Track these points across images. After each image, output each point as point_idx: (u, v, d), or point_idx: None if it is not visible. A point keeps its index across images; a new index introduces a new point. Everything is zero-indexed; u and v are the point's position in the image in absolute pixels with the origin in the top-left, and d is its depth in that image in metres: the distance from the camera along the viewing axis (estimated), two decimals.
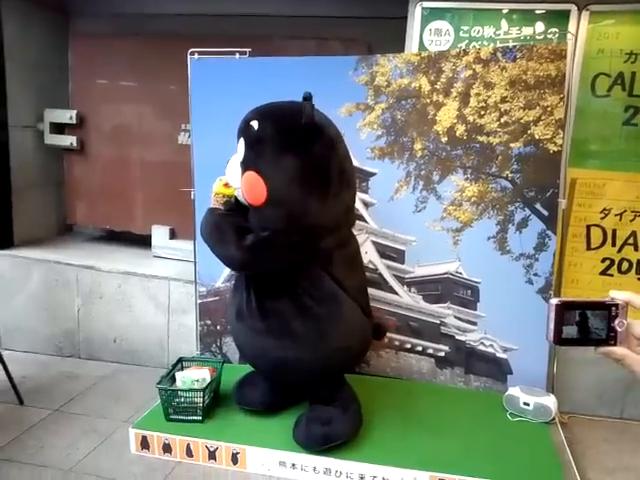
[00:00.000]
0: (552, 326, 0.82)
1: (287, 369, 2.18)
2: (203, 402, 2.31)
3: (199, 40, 2.77)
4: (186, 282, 3.04)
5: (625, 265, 2.65)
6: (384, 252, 2.76)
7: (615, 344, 0.82)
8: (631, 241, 2.63)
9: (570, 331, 0.82)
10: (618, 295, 0.83)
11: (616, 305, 0.82)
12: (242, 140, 2.08)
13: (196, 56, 2.72)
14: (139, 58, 3.41)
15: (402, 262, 2.75)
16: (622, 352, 0.82)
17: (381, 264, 2.76)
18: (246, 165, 2.05)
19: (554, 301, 0.82)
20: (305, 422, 2.19)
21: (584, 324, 0.82)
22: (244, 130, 2.09)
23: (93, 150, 3.61)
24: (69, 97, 3.62)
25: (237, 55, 2.67)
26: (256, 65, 2.69)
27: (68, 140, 3.56)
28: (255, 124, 2.04)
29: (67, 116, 3.51)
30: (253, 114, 2.09)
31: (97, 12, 3.59)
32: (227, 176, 2.16)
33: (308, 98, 2.17)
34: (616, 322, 0.81)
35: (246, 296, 2.17)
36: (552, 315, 0.82)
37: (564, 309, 0.82)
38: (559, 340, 0.82)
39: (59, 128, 3.56)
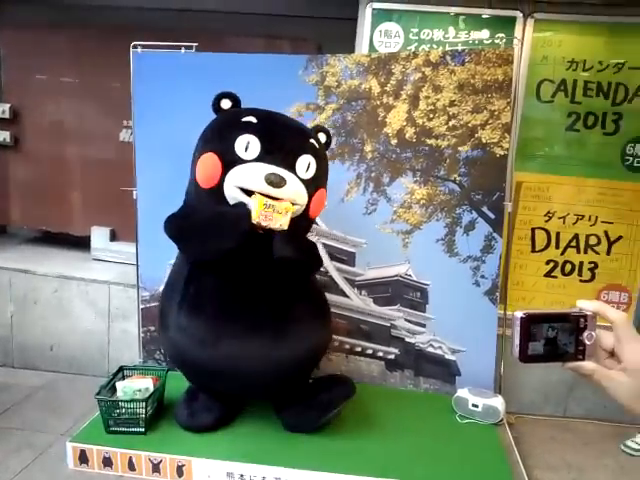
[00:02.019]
0: (517, 342, 0.74)
1: (288, 375, 2.18)
2: (145, 413, 2.21)
3: (143, 34, 2.65)
4: (127, 286, 2.91)
5: (568, 267, 2.72)
6: (334, 254, 2.73)
7: (584, 359, 0.75)
8: (574, 244, 2.70)
9: (537, 346, 0.74)
10: (586, 305, 0.75)
11: (584, 316, 0.75)
12: (310, 158, 2.00)
13: (139, 49, 2.60)
14: (78, 51, 3.24)
15: (352, 264, 2.73)
16: (591, 367, 0.74)
17: (331, 266, 2.73)
18: (318, 183, 2.06)
19: (519, 314, 0.73)
20: (305, 407, 2.24)
21: (551, 338, 0.74)
22: (311, 147, 2.04)
23: (29, 147, 3.41)
24: (1, 90, 3.40)
25: (183, 50, 2.57)
26: (203, 61, 2.59)
27: (1, 136, 3.35)
28: (315, 142, 2.09)
29: None
30: (309, 130, 2.14)
31: (31, 0, 3.39)
32: (292, 196, 1.95)
33: (230, 97, 2.10)
34: (585, 335, 0.74)
35: (258, 312, 2.06)
36: (517, 329, 0.74)
37: (530, 322, 0.74)
38: (525, 357, 0.74)
39: None
